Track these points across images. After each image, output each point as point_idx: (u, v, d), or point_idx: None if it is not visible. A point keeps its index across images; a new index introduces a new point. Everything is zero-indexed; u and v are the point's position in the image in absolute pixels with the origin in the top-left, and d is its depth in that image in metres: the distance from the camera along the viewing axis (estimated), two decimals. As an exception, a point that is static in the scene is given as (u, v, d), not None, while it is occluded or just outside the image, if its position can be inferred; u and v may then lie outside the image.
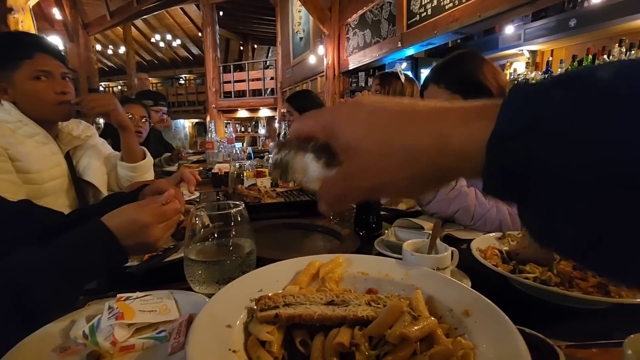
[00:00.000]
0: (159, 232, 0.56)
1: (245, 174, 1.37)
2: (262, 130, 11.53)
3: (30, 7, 3.97)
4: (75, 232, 0.50)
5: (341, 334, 0.37)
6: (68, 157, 1.25)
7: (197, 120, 13.20)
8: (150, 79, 14.96)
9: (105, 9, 8.99)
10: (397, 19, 4.09)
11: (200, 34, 10.63)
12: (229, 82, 9.40)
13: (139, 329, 0.43)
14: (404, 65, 4.79)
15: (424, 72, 4.79)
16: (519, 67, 4.15)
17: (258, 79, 9.43)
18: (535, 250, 0.57)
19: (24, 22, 3.91)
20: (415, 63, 4.83)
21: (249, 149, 2.27)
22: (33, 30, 4.01)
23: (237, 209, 0.52)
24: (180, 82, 14.74)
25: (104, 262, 0.51)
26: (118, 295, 0.46)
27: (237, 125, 11.55)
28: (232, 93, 9.33)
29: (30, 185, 1.09)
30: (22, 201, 0.83)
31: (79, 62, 8.88)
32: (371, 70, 5.22)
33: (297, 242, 0.85)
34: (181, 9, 10.53)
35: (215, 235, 0.53)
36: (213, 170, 1.60)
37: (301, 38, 7.15)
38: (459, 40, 4.44)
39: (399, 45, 4.07)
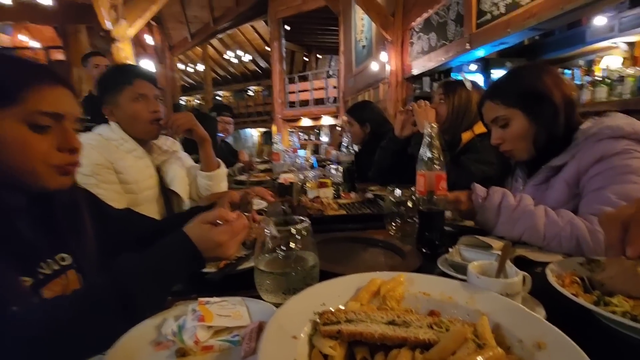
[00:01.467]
0: (230, 248, 0.61)
1: (308, 185, 1.43)
2: (324, 138, 11.78)
3: (130, 36, 4.60)
4: (165, 242, 0.58)
5: (401, 356, 0.38)
6: (158, 170, 1.43)
7: (264, 129, 13.97)
8: (223, 92, 16.28)
9: (187, 32, 10.03)
10: (466, 20, 3.89)
11: (267, 48, 11.30)
12: (294, 92, 9.82)
13: (217, 332, 0.49)
14: (474, 67, 4.53)
15: (496, 73, 4.48)
16: (611, 62, 3.65)
17: (321, 88, 9.70)
18: (625, 280, 0.51)
19: (125, 50, 4.54)
20: (485, 65, 4.55)
21: (313, 158, 2.34)
22: (132, 56, 4.63)
23: (304, 225, 0.56)
24: (249, 94, 15.77)
25: (187, 267, 0.58)
26: (199, 299, 0.53)
27: (300, 133, 11.97)
28: (297, 103, 9.72)
29: (129, 195, 1.27)
30: (125, 209, 0.97)
31: (165, 81, 10.02)
32: (436, 74, 5.04)
33: (358, 256, 0.86)
34: (251, 26, 11.31)
35: (283, 248, 0.57)
36: (279, 181, 1.69)
37: (364, 46, 7.18)
38: (537, 37, 4.07)
39: (468, 47, 3.86)
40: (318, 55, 13.58)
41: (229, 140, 3.08)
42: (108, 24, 4.30)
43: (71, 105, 0.64)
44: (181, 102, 12.15)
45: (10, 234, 0.57)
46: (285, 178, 1.67)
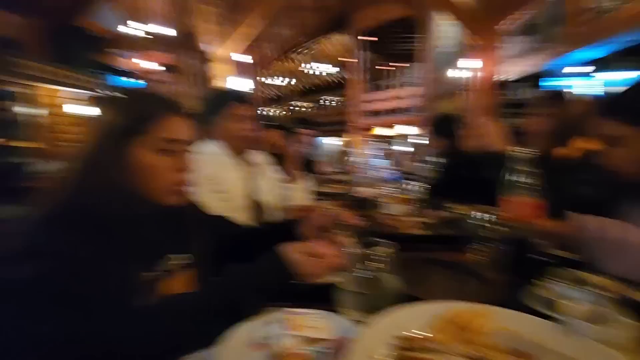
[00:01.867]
0: (320, 277, 0.66)
1: (385, 200, 1.43)
2: (402, 148, 11.52)
3: (226, 57, 5.15)
4: (263, 260, 0.65)
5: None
6: (248, 180, 1.58)
7: (341, 138, 14.21)
8: (303, 103, 17.03)
9: (274, 49, 10.81)
10: (567, 19, 3.48)
11: (347, 59, 11.55)
12: (371, 101, 9.84)
13: (303, 341, 0.54)
14: (575, 69, 4.02)
15: (602, 76, 3.90)
16: None
17: (400, 97, 9.54)
18: None
19: (221, 69, 5.09)
20: (598, 67, 3.99)
21: (391, 172, 2.32)
22: (227, 74, 5.17)
23: (387, 248, 0.58)
24: (328, 104, 16.23)
25: (280, 283, 0.65)
26: (288, 310, 0.59)
27: (377, 143, 11.89)
28: (374, 112, 9.70)
29: (226, 202, 1.43)
30: (218, 216, 1.10)
31: (255, 96, 10.93)
32: (531, 79, 4.58)
33: (439, 280, 0.84)
34: (332, 39, 11.70)
35: (365, 267, 0.60)
36: (355, 194, 1.72)
37: (445, 53, 6.89)
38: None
39: (567, 48, 3.45)
40: (398, 64, 13.38)
41: (309, 150, 3.22)
42: (207, 48, 4.88)
43: (188, 132, 0.75)
44: (264, 113, 13.07)
45: (138, 236, 0.68)
46: (361, 191, 1.70)
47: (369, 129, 9.73)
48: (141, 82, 7.97)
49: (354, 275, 0.62)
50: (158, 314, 0.59)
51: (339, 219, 0.97)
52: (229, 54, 5.15)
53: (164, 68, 7.01)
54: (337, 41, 12.04)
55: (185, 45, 5.41)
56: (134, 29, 7.54)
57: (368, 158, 3.03)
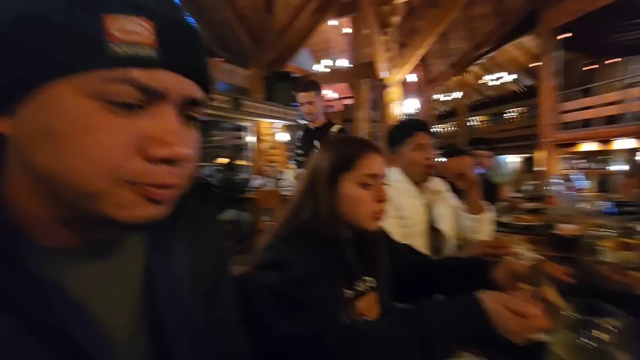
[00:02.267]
0: (522, 338, 0.60)
1: (603, 243, 1.16)
2: (617, 166, 8.90)
3: (400, 80, 5.36)
4: (463, 301, 0.66)
5: None
6: (428, 207, 1.60)
7: (525, 155, 12.22)
8: (478, 117, 15.61)
9: (446, 65, 10.45)
10: None
11: (535, 64, 9.93)
12: (569, 111, 8.05)
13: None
14: None
15: None
16: None
17: (614, 103, 7.44)
18: None
19: (394, 93, 5.32)
20: None
21: (603, 205, 1.86)
22: (399, 98, 5.36)
23: (619, 323, 0.50)
24: (508, 117, 14.30)
25: (477, 331, 0.63)
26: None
27: (578, 160, 9.61)
28: (573, 123, 7.90)
29: (404, 228, 1.50)
30: (404, 244, 1.17)
31: (422, 112, 10.83)
32: None
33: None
34: (516, 43, 10.34)
35: (588, 338, 0.53)
36: (554, 231, 1.47)
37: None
38: None
39: None
40: (609, 61, 10.52)
41: (490, 174, 2.92)
42: (383, 74, 5.20)
43: (382, 167, 0.87)
44: (436, 129, 12.63)
45: (341, 257, 0.82)
46: (565, 228, 1.44)
47: (570, 144, 7.95)
48: (328, 110, 9.22)
49: (570, 339, 0.55)
50: (359, 334, 0.67)
51: (541, 270, 0.86)
52: (399, 77, 5.33)
53: (347, 97, 7.88)
54: (520, 45, 10.56)
55: (364, 74, 5.94)
56: (323, 65, 8.86)
57: (571, 182, 2.49)
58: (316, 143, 2.31)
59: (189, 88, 0.34)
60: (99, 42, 0.29)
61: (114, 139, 0.31)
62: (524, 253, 1.29)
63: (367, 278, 0.89)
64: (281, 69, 6.64)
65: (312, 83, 2.55)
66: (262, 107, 5.77)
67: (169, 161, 0.33)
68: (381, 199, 0.83)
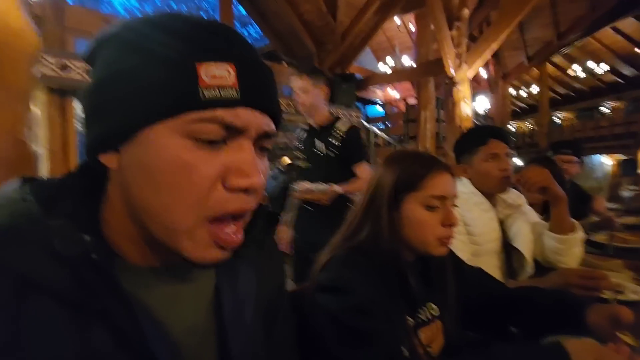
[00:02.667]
0: None
1: None
2: None
3: (470, 77, 5.00)
4: (542, 350, 0.57)
5: None
6: (502, 223, 1.44)
7: (624, 157, 10.59)
8: (562, 113, 13.92)
9: (524, 56, 9.49)
10: None
11: (637, 50, 8.52)
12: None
13: None
14: None
15: None
16: None
17: None
18: None
19: (463, 91, 4.97)
20: None
21: None
22: (469, 95, 5.00)
23: None
24: (602, 112, 12.51)
25: None
26: None
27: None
28: (692, 119, 6.61)
29: (474, 246, 1.36)
30: (477, 268, 1.05)
31: (495, 109, 9.98)
32: None
33: None
34: (612, 28, 8.98)
35: None
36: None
37: None
38: None
39: None
40: None
41: (577, 182, 2.55)
42: (452, 71, 4.89)
43: (452, 188, 0.79)
44: (511, 128, 11.55)
45: (403, 282, 0.76)
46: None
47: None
48: (391, 109, 9.03)
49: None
50: None
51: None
52: (469, 73, 4.96)
53: (411, 97, 7.61)
54: (620, 29, 9.13)
55: (431, 72, 5.66)
56: (386, 64, 8.67)
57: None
58: (319, 144, 1.95)
59: (264, 123, 0.38)
60: (193, 88, 0.33)
61: (201, 173, 0.34)
62: (627, 285, 1.09)
63: (431, 305, 0.82)
64: (344, 70, 6.62)
65: (310, 65, 2.17)
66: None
67: (246, 190, 0.36)
68: (449, 222, 0.76)
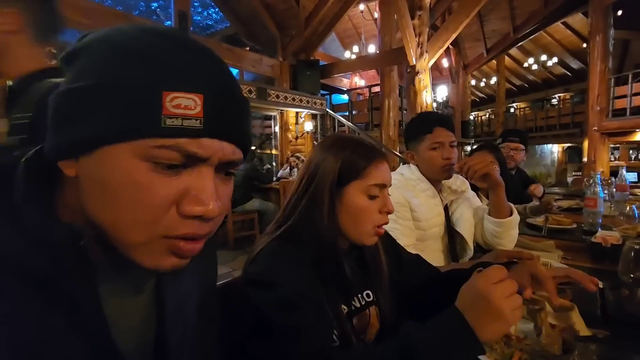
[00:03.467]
0: (504, 310, 0.54)
1: (649, 258, 1.01)
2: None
3: (429, 66, 5.09)
4: (441, 319, 0.57)
5: None
6: (446, 208, 1.49)
7: (569, 144, 11.38)
8: (517, 104, 14.69)
9: (483, 48, 9.83)
10: None
11: (584, 45, 9.09)
12: (624, 96, 7.30)
13: None
14: None
15: None
16: None
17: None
18: None
19: (424, 80, 5.07)
20: None
21: (656, 206, 1.65)
22: (429, 84, 5.11)
23: None
24: (552, 103, 13.33)
25: (464, 350, 0.55)
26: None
27: (630, 150, 8.82)
28: (627, 110, 7.18)
29: (419, 231, 1.40)
30: (415, 255, 1.07)
31: (456, 99, 10.33)
32: None
33: None
34: (562, 23, 9.51)
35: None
36: (593, 240, 1.31)
37: None
38: None
39: None
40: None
41: (522, 169, 2.69)
42: (414, 60, 4.96)
43: (390, 176, 0.78)
44: (470, 117, 12.01)
45: (337, 271, 0.74)
46: (604, 237, 1.28)
47: (619, 132, 7.25)
48: (357, 97, 9.07)
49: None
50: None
51: (568, 278, 0.75)
52: (430, 62, 5.06)
53: (375, 85, 7.66)
54: (570, 25, 9.69)
55: (394, 60, 5.71)
56: (351, 52, 8.65)
57: (620, 177, 2.24)
58: None
59: (229, 152, 0.38)
60: (157, 116, 0.33)
61: (156, 195, 0.35)
62: (553, 264, 1.17)
63: (367, 292, 0.82)
64: (309, 57, 6.53)
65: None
66: (288, 96, 5.72)
67: (201, 218, 0.36)
68: (387, 209, 0.76)
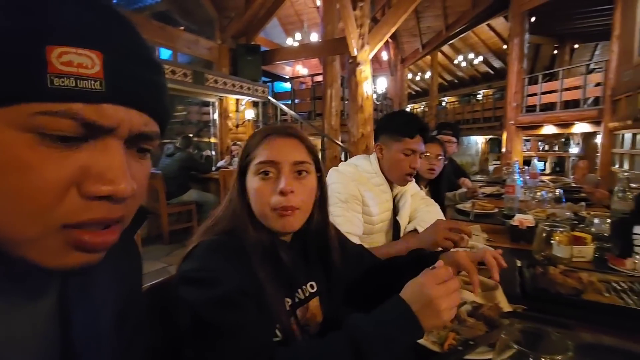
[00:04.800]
0: (442, 303, 0.58)
1: (556, 238, 1.14)
2: (573, 149, 9.37)
3: (370, 58, 5.21)
4: (386, 306, 0.60)
5: None
6: (393, 201, 1.51)
7: (491, 136, 12.61)
8: (448, 98, 15.84)
9: (419, 43, 10.36)
10: None
11: (505, 47, 10.06)
12: (535, 94, 8.26)
13: None
14: None
15: None
16: None
17: (576, 88, 7.70)
18: None
19: (365, 71, 5.17)
20: None
21: (560, 192, 1.88)
22: (370, 75, 5.23)
23: (560, 355, 0.44)
24: (477, 98, 14.61)
25: (406, 333, 0.58)
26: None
27: (539, 142, 10.03)
28: (537, 107, 8.15)
29: (367, 225, 1.39)
30: (359, 245, 1.08)
31: (394, 91, 10.79)
32: None
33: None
34: (487, 25, 10.39)
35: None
36: (512, 223, 1.46)
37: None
38: None
39: None
40: (575, 46, 10.85)
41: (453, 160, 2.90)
42: (355, 51, 5.03)
43: (288, 153, 0.70)
44: (407, 109, 12.65)
45: (275, 263, 0.70)
46: (521, 220, 1.42)
47: (531, 126, 8.21)
48: (299, 86, 8.98)
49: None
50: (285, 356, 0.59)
51: (481, 258, 0.82)
52: (370, 54, 5.19)
53: (317, 74, 7.64)
54: (493, 27, 10.63)
55: (336, 50, 5.73)
56: (294, 39, 8.51)
57: (532, 166, 2.51)
58: None
59: (140, 122, 0.33)
60: (40, 74, 0.27)
61: (46, 176, 0.28)
62: (479, 247, 1.27)
63: (312, 283, 0.80)
64: (250, 41, 6.28)
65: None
66: (227, 82, 5.46)
67: (109, 198, 0.31)
68: (280, 189, 0.68)
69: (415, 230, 1.41)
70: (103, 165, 0.30)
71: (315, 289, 0.79)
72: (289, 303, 0.73)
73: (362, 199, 1.34)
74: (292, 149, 0.72)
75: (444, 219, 1.51)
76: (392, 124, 1.40)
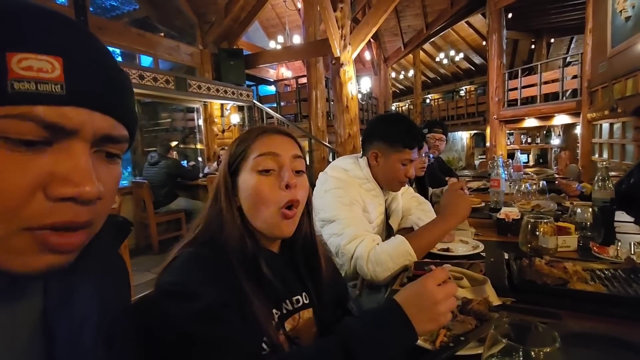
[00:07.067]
0: (440, 305, 0.59)
1: (541, 229, 1.16)
2: (555, 141, 9.60)
3: (354, 58, 5.23)
4: (379, 310, 0.59)
5: None
6: (386, 206, 1.51)
7: (475, 131, 12.82)
8: (432, 95, 16.03)
9: (401, 42, 10.46)
10: None
11: (484, 43, 10.25)
12: (515, 89, 8.44)
13: None
14: None
15: None
16: None
17: (554, 81, 7.90)
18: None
19: (349, 71, 5.19)
20: None
21: (543, 184, 1.92)
22: (354, 75, 5.25)
23: (548, 347, 0.44)
24: (460, 94, 14.83)
25: (401, 338, 0.57)
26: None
27: (522, 135, 10.24)
28: (518, 101, 8.32)
29: None
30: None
31: (379, 90, 10.87)
32: None
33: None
34: (466, 22, 10.57)
35: (520, 355, 0.48)
36: (498, 216, 1.48)
37: (627, 18, 5.31)
38: None
39: None
40: (551, 40, 11.14)
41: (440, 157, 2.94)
42: (338, 52, 5.05)
43: (287, 147, 0.70)
44: (392, 108, 12.74)
45: (261, 274, 0.67)
46: (507, 213, 1.45)
47: (513, 120, 8.37)
48: (284, 89, 8.96)
49: (502, 358, 0.50)
50: None
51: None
52: (352, 54, 5.22)
53: (301, 76, 7.63)
54: (472, 24, 10.82)
55: (319, 51, 5.74)
56: (276, 42, 8.49)
57: (516, 159, 2.56)
58: None
59: (105, 125, 0.34)
60: (0, 80, 0.28)
61: (11, 180, 0.29)
62: (469, 241, 1.28)
63: (303, 294, 0.76)
64: (232, 45, 6.24)
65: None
66: (211, 87, 5.41)
67: (75, 200, 0.31)
68: (286, 182, 0.65)
69: (411, 228, 1.42)
70: (68, 168, 0.31)
71: (306, 300, 0.76)
72: (277, 314, 0.70)
73: (364, 205, 1.32)
74: (289, 144, 0.71)
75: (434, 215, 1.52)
76: (392, 132, 1.33)
